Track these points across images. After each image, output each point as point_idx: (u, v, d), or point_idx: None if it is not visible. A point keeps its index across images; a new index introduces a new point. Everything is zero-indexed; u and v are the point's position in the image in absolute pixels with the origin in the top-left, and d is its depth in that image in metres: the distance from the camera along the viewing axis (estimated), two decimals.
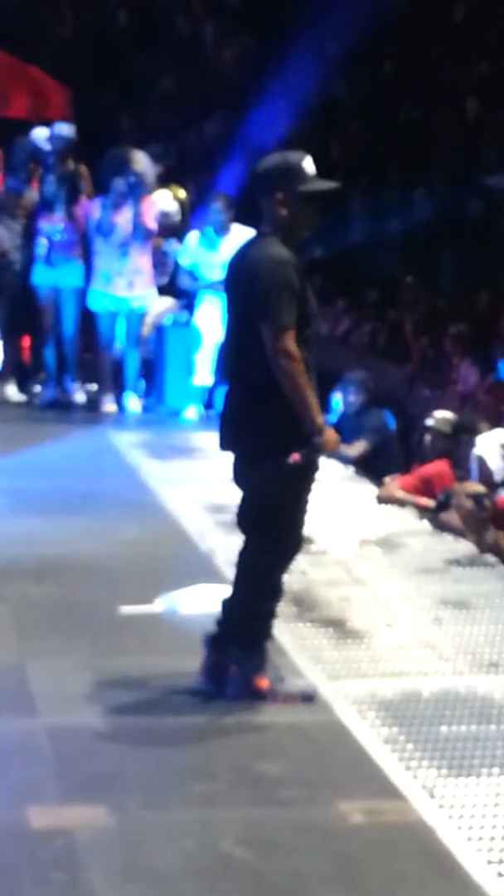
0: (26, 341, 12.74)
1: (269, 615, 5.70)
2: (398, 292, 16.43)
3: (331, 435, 5.58)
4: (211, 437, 9.64)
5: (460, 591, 7.22)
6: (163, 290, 12.46)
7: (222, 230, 11.82)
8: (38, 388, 12.45)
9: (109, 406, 12.10)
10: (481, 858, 4.41)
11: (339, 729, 5.43)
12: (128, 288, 11.98)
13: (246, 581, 5.67)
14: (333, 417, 10.82)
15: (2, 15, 17.46)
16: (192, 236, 12.08)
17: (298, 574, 6.76)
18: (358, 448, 10.55)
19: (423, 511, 8.76)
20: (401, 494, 9.04)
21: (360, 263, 17.24)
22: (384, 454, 10.59)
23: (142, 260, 12.02)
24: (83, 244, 12.08)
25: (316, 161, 5.70)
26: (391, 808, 4.77)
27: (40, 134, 12.96)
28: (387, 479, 9.32)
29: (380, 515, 8.83)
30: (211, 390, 11.90)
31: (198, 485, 9.24)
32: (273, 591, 5.69)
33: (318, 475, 5.67)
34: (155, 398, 12.34)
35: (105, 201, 12.02)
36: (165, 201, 12.77)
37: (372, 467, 10.19)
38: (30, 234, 12.20)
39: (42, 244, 12.06)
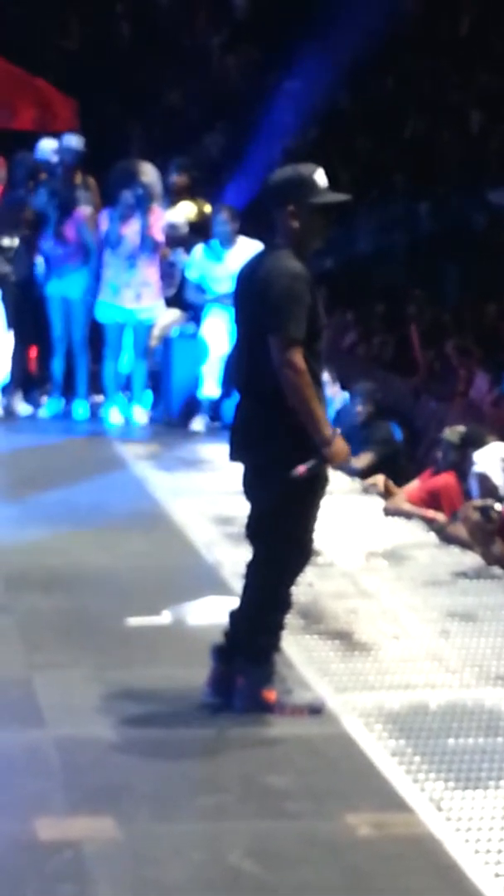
0: (33, 352, 12.76)
1: (278, 627, 5.71)
2: (404, 304, 16.44)
3: (339, 446, 5.58)
4: (218, 449, 9.71)
5: (467, 603, 7.23)
6: (170, 302, 12.49)
7: (228, 242, 11.84)
8: (44, 400, 12.47)
9: (116, 417, 12.13)
10: (488, 871, 4.41)
11: (346, 741, 5.44)
12: (135, 300, 12.01)
13: (254, 593, 5.68)
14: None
15: (8, 27, 17.50)
16: (198, 249, 12.11)
17: (305, 586, 6.76)
18: (364, 460, 10.55)
19: (429, 523, 8.75)
20: (408, 507, 9.04)
21: (365, 275, 17.25)
22: (391, 466, 10.58)
23: (149, 272, 12.05)
24: (88, 254, 12.11)
25: None
26: (398, 821, 4.77)
27: (47, 146, 13.00)
28: (395, 490, 9.33)
29: (387, 528, 8.83)
30: (218, 402, 11.92)
31: (205, 496, 9.25)
32: (281, 603, 5.70)
33: (328, 487, 5.68)
34: (162, 410, 12.36)
35: (113, 213, 12.05)
36: (177, 213, 12.80)
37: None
38: (32, 247, 12.23)
39: (38, 262, 12.13)
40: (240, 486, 5.78)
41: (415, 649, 6.50)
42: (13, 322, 12.33)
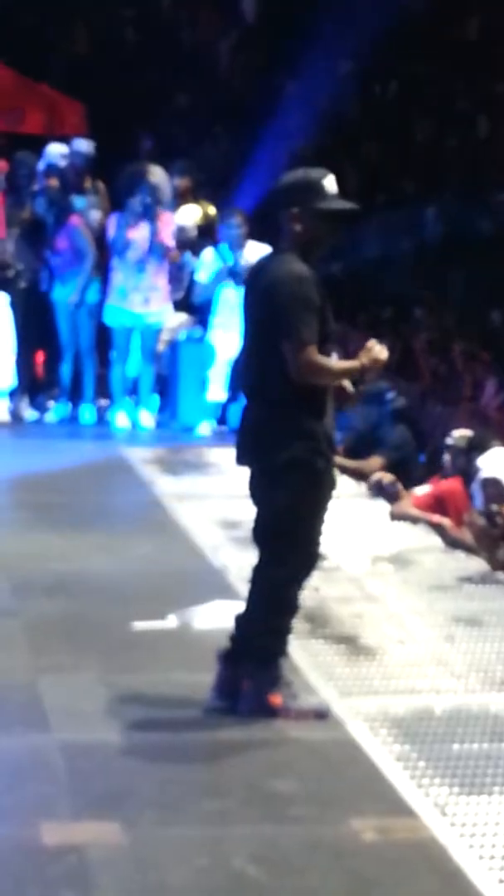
0: (39, 357, 12.77)
1: (284, 631, 5.70)
2: (411, 310, 16.45)
3: (368, 353, 5.66)
4: (224, 453, 9.71)
5: (473, 608, 7.22)
6: (177, 306, 12.49)
7: (238, 246, 11.85)
8: (51, 404, 12.48)
9: (122, 422, 12.13)
10: (493, 877, 4.40)
11: (351, 746, 5.43)
12: (143, 304, 12.02)
13: (260, 596, 5.67)
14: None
15: (15, 33, 17.52)
16: (208, 252, 12.11)
17: (311, 590, 6.73)
18: (373, 465, 10.43)
19: (435, 528, 8.74)
20: (414, 512, 9.04)
21: (372, 280, 17.25)
22: (403, 470, 10.46)
23: (158, 276, 12.06)
24: (83, 258, 12.12)
25: None
26: (403, 826, 4.77)
27: (56, 150, 13.01)
28: (403, 494, 9.32)
29: (393, 532, 8.83)
30: (225, 406, 11.92)
31: (211, 500, 9.25)
32: (288, 607, 5.69)
33: (335, 492, 5.68)
34: (168, 414, 12.36)
35: (121, 218, 12.06)
36: (185, 216, 12.80)
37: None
38: (37, 252, 12.26)
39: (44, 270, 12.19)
40: (246, 490, 5.77)
41: (420, 654, 6.49)
42: (20, 327, 12.35)
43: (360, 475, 10.05)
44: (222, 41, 20.54)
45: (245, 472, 5.76)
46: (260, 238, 11.25)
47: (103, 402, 12.52)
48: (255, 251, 11.02)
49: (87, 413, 12.33)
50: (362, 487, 9.98)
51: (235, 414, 11.46)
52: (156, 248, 11.95)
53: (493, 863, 4.48)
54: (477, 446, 9.17)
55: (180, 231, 12.52)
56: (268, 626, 5.67)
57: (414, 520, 8.98)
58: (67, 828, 4.68)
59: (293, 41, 18.38)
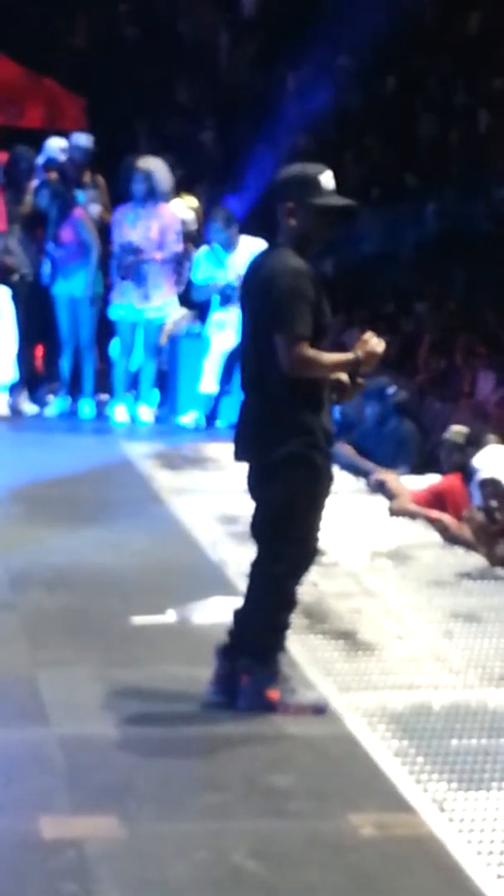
0: (39, 351, 12.77)
1: (283, 626, 5.71)
2: (410, 305, 16.43)
3: (364, 345, 5.61)
4: (222, 448, 9.71)
5: (471, 604, 7.23)
6: (178, 300, 12.47)
7: (228, 247, 11.82)
8: (50, 398, 12.47)
9: (122, 416, 12.13)
10: (491, 872, 4.41)
11: (349, 741, 5.44)
12: (146, 299, 12.02)
13: (259, 591, 5.68)
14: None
15: (16, 27, 17.50)
16: (201, 252, 12.11)
17: (310, 586, 6.76)
18: (397, 476, 9.90)
19: (434, 524, 8.74)
20: (413, 508, 9.04)
21: (371, 275, 17.24)
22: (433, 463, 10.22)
23: (160, 271, 12.04)
24: (88, 251, 12.11)
25: None
26: (401, 822, 4.78)
27: (56, 144, 13.01)
28: (402, 491, 9.31)
29: (391, 528, 8.84)
30: (216, 399, 11.90)
31: (210, 495, 9.26)
32: (286, 602, 5.70)
33: (333, 487, 5.68)
34: (167, 408, 12.36)
35: (123, 213, 12.04)
36: (181, 209, 12.80)
37: None
38: (39, 246, 12.25)
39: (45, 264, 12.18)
40: (245, 485, 5.78)
41: (418, 650, 6.50)
42: (21, 321, 12.35)
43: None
44: (222, 35, 20.52)
45: (243, 468, 5.77)
46: (260, 232, 11.23)
47: (103, 396, 12.52)
48: (248, 247, 11.00)
49: (86, 407, 12.32)
50: (361, 483, 9.98)
51: (227, 408, 11.47)
52: (158, 242, 11.93)
53: (491, 858, 4.49)
54: (473, 442, 9.18)
55: (182, 224, 12.50)
56: (266, 622, 5.67)
57: (413, 515, 8.98)
58: (66, 821, 4.69)
59: (293, 35, 18.37)
